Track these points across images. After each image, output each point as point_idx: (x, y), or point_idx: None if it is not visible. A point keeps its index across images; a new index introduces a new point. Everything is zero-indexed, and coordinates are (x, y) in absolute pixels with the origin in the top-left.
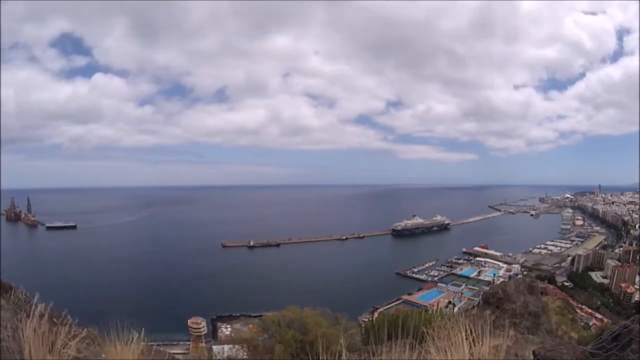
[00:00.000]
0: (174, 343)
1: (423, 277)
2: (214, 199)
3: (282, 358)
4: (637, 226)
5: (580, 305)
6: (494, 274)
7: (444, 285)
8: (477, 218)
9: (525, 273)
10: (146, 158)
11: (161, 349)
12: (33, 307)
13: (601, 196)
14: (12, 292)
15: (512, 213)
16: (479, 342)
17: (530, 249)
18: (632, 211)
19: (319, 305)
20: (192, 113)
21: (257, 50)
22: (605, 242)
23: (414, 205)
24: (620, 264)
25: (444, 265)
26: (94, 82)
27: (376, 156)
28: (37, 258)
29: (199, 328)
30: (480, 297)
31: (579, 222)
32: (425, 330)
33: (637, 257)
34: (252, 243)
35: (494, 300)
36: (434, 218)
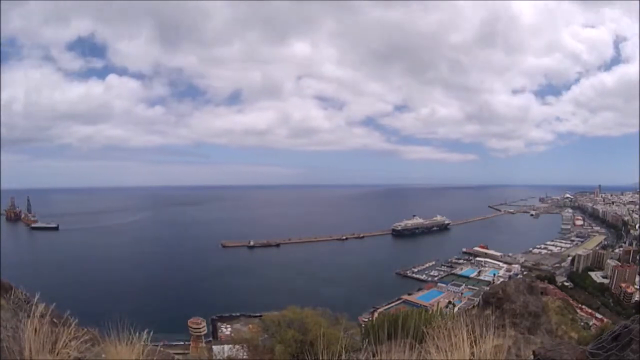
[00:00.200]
0: (174, 343)
1: (423, 277)
2: (216, 199)
3: (282, 358)
4: (637, 226)
5: (580, 305)
6: (494, 274)
7: (444, 285)
8: (477, 218)
9: (525, 273)
10: (152, 158)
11: (161, 349)
12: (33, 307)
13: (601, 196)
14: (12, 292)
15: (512, 213)
16: (479, 342)
17: (530, 249)
18: (632, 211)
19: (319, 305)
20: (202, 114)
21: (273, 55)
22: (605, 242)
23: (415, 205)
24: (620, 264)
25: (444, 265)
26: (108, 83)
27: (379, 157)
28: (34, 258)
29: (199, 328)
30: (480, 297)
31: (579, 222)
32: (425, 330)
33: (637, 257)
34: (252, 243)
35: (494, 300)
36: (434, 218)
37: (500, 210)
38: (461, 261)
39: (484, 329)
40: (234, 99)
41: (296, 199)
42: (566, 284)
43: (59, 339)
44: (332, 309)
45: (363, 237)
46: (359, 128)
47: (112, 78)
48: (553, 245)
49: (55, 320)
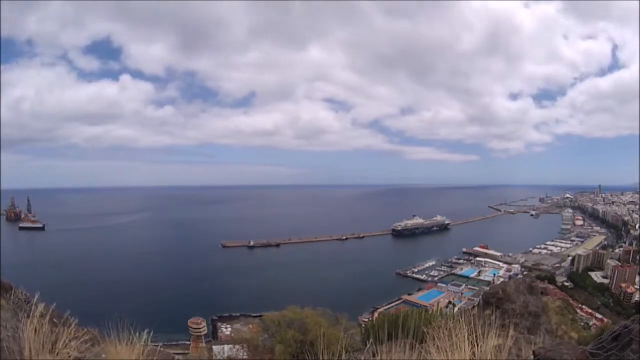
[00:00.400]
0: (174, 343)
1: (423, 277)
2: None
3: (282, 358)
4: (637, 226)
5: (580, 305)
6: (494, 274)
7: (444, 285)
8: (477, 218)
9: (525, 273)
10: (157, 158)
11: (161, 349)
12: (33, 307)
13: (601, 196)
14: (12, 292)
15: (512, 213)
16: (480, 342)
17: (530, 249)
18: (632, 211)
19: (319, 305)
20: (211, 116)
21: (286, 60)
22: (605, 242)
23: (417, 204)
24: (620, 264)
25: (444, 265)
26: (120, 84)
27: (382, 157)
28: (32, 258)
29: (199, 328)
30: (480, 297)
31: (579, 222)
32: (425, 330)
33: (637, 257)
34: (252, 243)
35: (494, 300)
36: (434, 218)
37: (500, 210)
38: (461, 261)
39: (484, 329)
40: (245, 101)
41: (305, 198)
42: (566, 284)
43: (59, 339)
44: (332, 309)
45: (363, 237)
46: (364, 129)
47: (125, 79)
48: (553, 245)
49: (55, 320)
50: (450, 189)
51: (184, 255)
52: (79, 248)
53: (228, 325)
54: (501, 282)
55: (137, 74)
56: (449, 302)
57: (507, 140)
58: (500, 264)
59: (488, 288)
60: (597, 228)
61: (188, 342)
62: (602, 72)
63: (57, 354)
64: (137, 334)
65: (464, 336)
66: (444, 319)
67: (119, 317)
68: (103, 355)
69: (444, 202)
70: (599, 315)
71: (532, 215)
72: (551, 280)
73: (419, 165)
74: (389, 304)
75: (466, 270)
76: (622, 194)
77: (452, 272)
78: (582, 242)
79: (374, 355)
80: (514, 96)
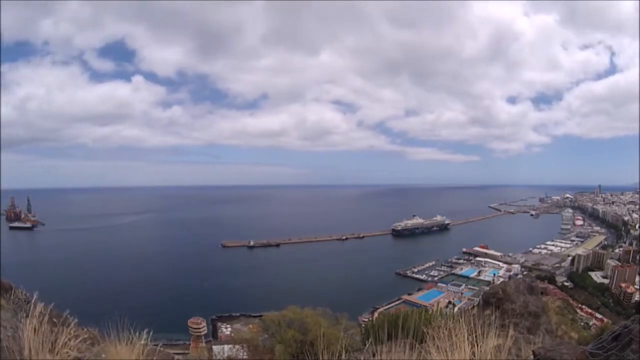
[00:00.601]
0: (174, 343)
1: (423, 277)
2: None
3: (282, 358)
4: (637, 226)
5: (580, 305)
6: (494, 274)
7: (444, 285)
8: (477, 218)
9: (525, 273)
10: (162, 159)
11: (161, 349)
12: (33, 307)
13: (601, 196)
14: (12, 292)
15: (512, 213)
16: (479, 342)
17: (530, 249)
18: (632, 211)
19: (319, 305)
20: (220, 118)
21: (297, 64)
22: (605, 242)
23: (418, 204)
24: (620, 264)
25: (444, 265)
26: (130, 86)
27: (385, 157)
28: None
29: (199, 328)
30: (480, 297)
31: (579, 222)
32: (425, 330)
33: (637, 257)
34: (252, 243)
35: (494, 300)
36: (434, 218)
37: (500, 210)
38: (461, 261)
39: (484, 329)
40: (254, 103)
41: (308, 198)
42: (566, 284)
43: (59, 338)
44: (332, 309)
45: (363, 237)
46: (367, 131)
47: (137, 80)
48: (553, 245)
49: (55, 319)
50: (451, 189)
51: (184, 255)
52: (74, 248)
53: (228, 325)
54: (501, 282)
55: (150, 76)
56: (449, 302)
57: (507, 141)
58: (500, 264)
59: (488, 288)
60: (597, 228)
61: (188, 342)
62: (599, 77)
63: (57, 354)
64: (137, 333)
65: (464, 336)
66: (444, 319)
67: (119, 316)
68: (103, 355)
69: (444, 202)
70: (599, 315)
71: (532, 215)
72: (551, 280)
73: (421, 166)
74: (389, 304)
75: (466, 270)
76: (622, 194)
77: (452, 272)
78: (582, 242)
79: (373, 355)
80: (513, 99)
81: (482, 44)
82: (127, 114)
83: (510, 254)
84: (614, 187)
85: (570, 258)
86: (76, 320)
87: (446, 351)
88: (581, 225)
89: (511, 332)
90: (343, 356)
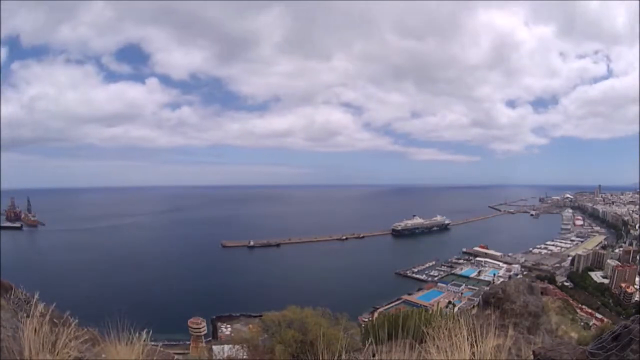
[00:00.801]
0: (174, 343)
1: (423, 277)
2: (228, 199)
3: (282, 358)
4: (637, 226)
5: (580, 305)
6: (494, 274)
7: (444, 285)
8: (477, 218)
9: (525, 273)
10: (169, 159)
11: (161, 349)
12: (33, 307)
13: (601, 196)
14: (12, 292)
15: (512, 213)
16: (479, 342)
17: (530, 249)
18: (632, 211)
19: (319, 305)
20: (228, 119)
21: (310, 69)
22: (605, 242)
23: (420, 204)
24: (620, 264)
25: (444, 265)
26: (144, 87)
27: (388, 158)
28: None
29: (199, 328)
30: (480, 297)
31: (579, 222)
32: (425, 330)
33: (637, 257)
34: (252, 243)
35: (494, 300)
36: (434, 218)
37: (500, 210)
38: (461, 261)
39: (484, 329)
40: (264, 105)
41: (311, 198)
42: (566, 284)
43: (59, 339)
44: (332, 309)
45: (363, 237)
46: (372, 132)
47: (151, 82)
48: (553, 245)
49: (55, 320)
50: (453, 188)
51: (184, 255)
52: (72, 248)
53: (228, 325)
54: (501, 282)
55: (164, 79)
56: (449, 302)
57: (507, 142)
58: (500, 264)
59: (488, 288)
60: (597, 228)
61: (188, 342)
62: (595, 82)
63: (57, 354)
64: (137, 333)
65: (464, 336)
66: (444, 319)
67: (119, 317)
68: (103, 355)
69: (445, 201)
70: (599, 315)
71: (532, 215)
72: (551, 280)
73: (424, 166)
74: (389, 304)
75: (466, 270)
76: (622, 194)
77: (452, 272)
78: (582, 242)
79: (373, 355)
80: (513, 103)
81: (484, 52)
82: (137, 114)
83: (510, 254)
84: (614, 187)
85: (570, 258)
86: (76, 320)
87: (446, 351)
88: (581, 225)
89: (511, 332)
90: (343, 356)
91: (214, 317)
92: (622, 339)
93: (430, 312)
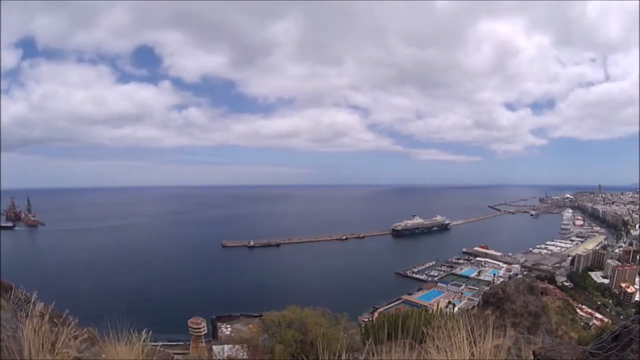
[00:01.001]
0: (174, 343)
1: (423, 277)
2: (230, 199)
3: (282, 358)
4: (637, 226)
5: (580, 305)
6: (494, 274)
7: (444, 285)
8: (477, 218)
9: (525, 273)
10: (174, 159)
11: (161, 349)
12: (33, 307)
13: (601, 196)
14: (12, 292)
15: (512, 213)
16: (479, 342)
17: (530, 249)
18: (632, 211)
19: (319, 305)
20: (235, 121)
21: (321, 73)
22: (605, 242)
23: (421, 204)
24: (620, 264)
25: (444, 265)
26: (156, 89)
27: (391, 158)
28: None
29: (199, 328)
30: (480, 297)
31: (579, 222)
32: (425, 330)
33: (637, 257)
34: (252, 243)
35: (494, 300)
36: (434, 218)
37: (500, 210)
38: (461, 261)
39: (484, 329)
40: (273, 107)
41: (314, 197)
42: (566, 284)
43: (59, 338)
44: (332, 309)
45: (363, 237)
46: (377, 133)
47: (164, 85)
48: (553, 245)
49: (55, 319)
50: (454, 188)
51: (184, 255)
52: (70, 248)
53: (228, 325)
54: (501, 282)
55: (176, 81)
56: (449, 302)
57: (507, 143)
58: (500, 264)
59: (488, 288)
60: (597, 228)
61: (188, 342)
62: (592, 86)
63: (57, 354)
64: (137, 333)
65: (464, 336)
66: (444, 319)
67: (119, 316)
68: (103, 355)
69: (446, 201)
70: (599, 315)
71: (532, 215)
72: (551, 280)
73: (426, 166)
74: (389, 304)
75: (466, 270)
76: (622, 194)
77: (452, 272)
78: (582, 242)
79: (373, 356)
80: (512, 106)
81: (486, 59)
82: (146, 115)
83: (510, 254)
84: (614, 187)
85: (570, 258)
86: (76, 320)
87: (446, 351)
88: (581, 225)
89: (511, 332)
90: (343, 356)
91: (214, 317)
92: (622, 339)
93: (430, 312)
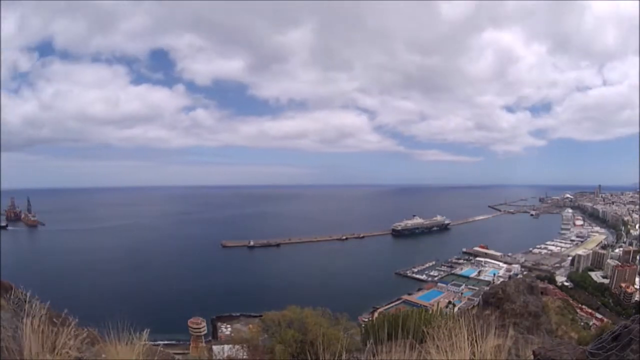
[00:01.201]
0: (174, 343)
1: (423, 277)
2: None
3: (282, 358)
4: (637, 226)
5: (580, 305)
6: (494, 274)
7: (444, 285)
8: (477, 218)
9: (525, 273)
10: (179, 159)
11: (161, 349)
12: (33, 307)
13: (601, 196)
14: (12, 292)
15: (512, 213)
16: (479, 342)
17: (530, 249)
18: (632, 211)
19: (319, 305)
20: (243, 123)
21: (329, 77)
22: (605, 242)
23: (422, 204)
24: (620, 264)
25: (444, 265)
26: (169, 92)
27: (395, 158)
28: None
29: (199, 328)
30: (480, 297)
31: (579, 222)
32: (425, 330)
33: (637, 257)
34: (252, 243)
35: (494, 300)
36: (434, 218)
37: (500, 210)
38: (461, 261)
39: (484, 329)
40: (283, 108)
41: (317, 197)
42: (566, 284)
43: (59, 338)
44: (332, 309)
45: (363, 237)
46: (382, 134)
47: (178, 88)
48: (553, 245)
49: (55, 319)
50: (456, 188)
51: (184, 255)
52: (70, 248)
53: (228, 325)
54: (501, 282)
55: (189, 84)
56: (449, 302)
57: (508, 144)
58: (500, 264)
59: (488, 288)
60: (597, 228)
61: (188, 342)
62: (588, 90)
63: (57, 354)
64: (137, 333)
65: (464, 336)
66: (444, 319)
67: (119, 316)
68: (103, 355)
69: (447, 201)
70: (599, 315)
71: (532, 215)
72: (551, 280)
73: (428, 167)
74: (389, 304)
75: (466, 270)
76: (622, 194)
77: (452, 272)
78: (582, 242)
79: (373, 355)
80: (512, 109)
81: (487, 66)
82: (156, 116)
83: (510, 254)
84: (614, 187)
85: (570, 258)
86: (76, 320)
87: (446, 351)
88: (581, 225)
89: (511, 332)
90: (343, 356)
91: (214, 317)
92: (622, 339)
93: (430, 312)
